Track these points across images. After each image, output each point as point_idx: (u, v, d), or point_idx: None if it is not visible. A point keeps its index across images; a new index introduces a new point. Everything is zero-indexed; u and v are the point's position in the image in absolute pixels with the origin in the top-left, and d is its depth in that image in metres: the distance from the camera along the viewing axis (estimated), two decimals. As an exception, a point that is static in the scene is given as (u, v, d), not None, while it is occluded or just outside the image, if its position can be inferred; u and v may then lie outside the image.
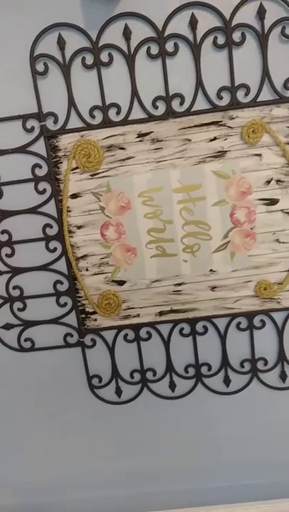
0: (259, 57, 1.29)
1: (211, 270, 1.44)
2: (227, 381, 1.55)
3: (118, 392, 1.57)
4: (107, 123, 1.34)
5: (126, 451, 1.65)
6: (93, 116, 1.34)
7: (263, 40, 1.27)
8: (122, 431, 1.62)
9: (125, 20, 1.28)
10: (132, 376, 1.56)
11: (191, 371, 1.55)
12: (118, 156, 1.36)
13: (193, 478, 1.66)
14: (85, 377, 1.56)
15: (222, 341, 1.51)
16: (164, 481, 1.67)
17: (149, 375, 1.56)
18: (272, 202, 1.38)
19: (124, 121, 1.34)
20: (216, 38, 1.27)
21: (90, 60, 1.30)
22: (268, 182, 1.36)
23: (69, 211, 1.40)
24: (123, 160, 1.37)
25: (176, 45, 1.28)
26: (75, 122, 1.35)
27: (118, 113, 1.34)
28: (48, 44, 1.30)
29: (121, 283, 1.46)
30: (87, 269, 1.45)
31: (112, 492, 1.68)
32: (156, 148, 1.35)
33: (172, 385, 1.56)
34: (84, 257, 1.44)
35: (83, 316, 1.50)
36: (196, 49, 1.28)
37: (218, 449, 1.63)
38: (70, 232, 1.42)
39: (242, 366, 1.54)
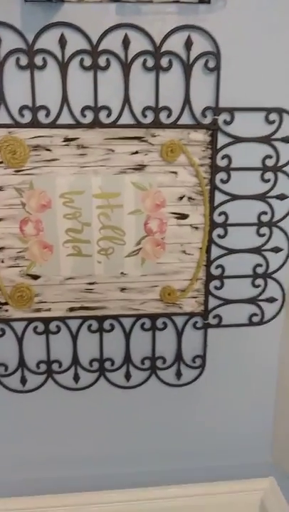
0: (183, 84, 1.39)
1: (122, 273, 1.54)
2: (128, 376, 1.66)
3: (23, 381, 1.63)
4: (35, 123, 1.39)
5: (28, 438, 1.71)
6: (22, 115, 1.38)
7: (187, 68, 1.38)
8: (25, 419, 1.68)
9: (62, 29, 1.33)
10: (38, 366, 1.62)
11: (96, 365, 1.64)
12: (44, 156, 1.42)
13: (95, 465, 1.76)
14: (-10, 365, 1.61)
15: (126, 339, 1.62)
16: (65, 467, 1.75)
17: (55, 366, 1.63)
18: (183, 216, 1.50)
19: (53, 125, 1.40)
20: (145, 61, 1.36)
21: (24, 61, 1.34)
22: (181, 198, 1.49)
23: (-10, 204, 1.44)
24: (48, 161, 1.42)
25: (108, 61, 1.36)
26: (4, 118, 1.38)
27: (47, 115, 1.39)
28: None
29: (35, 277, 1.52)
30: (2, 261, 1.49)
31: (16, 477, 1.73)
32: (80, 154, 1.42)
33: (76, 377, 1.65)
34: (1, 249, 1.48)
35: (-5, 306, 1.54)
36: (126, 67, 1.36)
37: (114, 438, 1.74)
38: (-11, 224, 1.46)
39: (142, 363, 1.66)
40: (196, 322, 1.63)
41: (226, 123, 1.44)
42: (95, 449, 1.74)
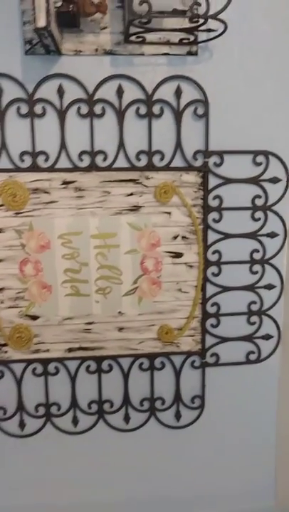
0: (174, 129, 1.48)
1: (119, 312, 1.56)
2: (127, 418, 1.64)
3: (21, 425, 1.61)
4: (35, 168, 1.46)
5: (26, 484, 1.66)
6: (22, 160, 1.45)
7: (178, 115, 1.47)
8: (23, 464, 1.65)
9: (60, 80, 1.42)
10: (36, 410, 1.61)
11: (94, 407, 1.63)
12: (42, 199, 1.47)
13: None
14: (-11, 409, 1.59)
15: (125, 380, 1.62)
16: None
17: (53, 409, 1.61)
18: (178, 255, 1.54)
19: (51, 169, 1.46)
20: (138, 108, 1.45)
21: (24, 109, 1.42)
22: (175, 237, 1.53)
23: (-10, 245, 1.48)
24: (47, 203, 1.48)
25: (103, 109, 1.45)
26: (5, 163, 1.45)
27: (46, 160, 1.46)
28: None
29: (34, 318, 1.54)
30: (2, 302, 1.52)
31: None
32: (78, 196, 1.48)
33: (75, 421, 1.63)
34: (1, 290, 1.51)
35: (-7, 347, 1.55)
36: (120, 114, 1.45)
37: (114, 484, 1.69)
38: (-11, 265, 1.49)
39: (141, 405, 1.64)
40: (194, 361, 1.63)
41: (216, 165, 1.51)
42: (95, 496, 1.69)
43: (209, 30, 1.38)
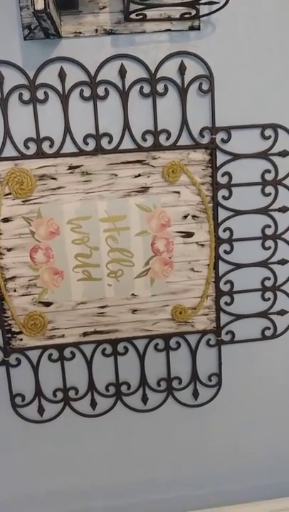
0: (179, 107, 1.45)
1: (132, 294, 1.56)
2: (145, 399, 1.66)
3: (40, 410, 1.63)
4: (40, 154, 1.44)
5: (47, 469, 1.69)
6: (27, 147, 1.44)
7: (182, 92, 1.44)
8: (44, 449, 1.67)
9: (61, 63, 1.40)
10: (54, 395, 1.62)
11: (112, 390, 1.64)
12: (50, 185, 1.46)
13: (115, 495, 1.73)
14: (8, 396, 1.60)
15: (141, 361, 1.63)
16: (86, 498, 1.72)
17: (71, 393, 1.63)
18: (188, 235, 1.53)
19: (57, 154, 1.45)
20: (142, 88, 1.43)
21: (26, 96, 1.41)
22: (185, 217, 1.52)
23: (0, 234, 1.48)
24: (54, 189, 1.47)
25: (106, 90, 1.42)
26: (10, 151, 1.44)
27: (51, 146, 1.45)
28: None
29: (48, 304, 1.54)
30: (15, 290, 1.52)
31: (35, 510, 1.71)
32: (85, 181, 1.47)
33: (94, 404, 1.64)
34: (13, 278, 1.51)
35: (9, 335, 1.55)
36: (124, 95, 1.43)
37: (134, 465, 1.72)
38: (0, 254, 1.49)
39: (159, 385, 1.65)
40: (210, 339, 1.63)
41: (224, 141, 1.49)
42: (117, 478, 1.72)
43: (211, 3, 1.35)
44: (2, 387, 1.60)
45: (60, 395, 1.62)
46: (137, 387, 1.65)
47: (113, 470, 1.71)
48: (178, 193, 1.50)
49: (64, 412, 1.64)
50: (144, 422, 1.68)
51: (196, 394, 1.67)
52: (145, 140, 1.46)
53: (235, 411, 1.72)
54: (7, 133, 1.42)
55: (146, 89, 1.43)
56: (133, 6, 1.29)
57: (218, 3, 1.34)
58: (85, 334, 1.58)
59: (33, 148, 1.44)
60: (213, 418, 1.71)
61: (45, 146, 1.44)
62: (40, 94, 1.41)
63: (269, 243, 1.58)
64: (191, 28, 1.41)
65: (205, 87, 1.45)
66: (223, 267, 1.58)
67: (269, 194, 1.55)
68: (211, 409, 1.69)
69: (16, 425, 1.63)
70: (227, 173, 1.51)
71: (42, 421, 1.64)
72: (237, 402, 1.71)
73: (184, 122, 1.46)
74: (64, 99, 1.42)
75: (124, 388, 1.64)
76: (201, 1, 1.33)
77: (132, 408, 1.66)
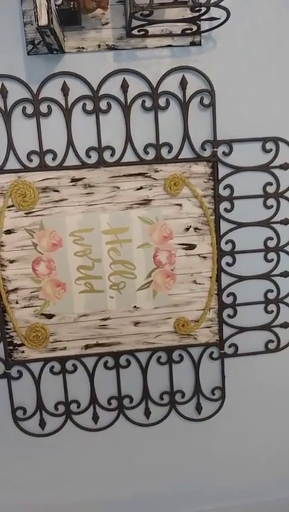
0: (181, 121, 1.47)
1: (134, 307, 1.56)
2: (148, 413, 1.64)
3: (42, 424, 1.61)
4: (43, 167, 1.46)
5: (48, 483, 1.67)
6: (30, 160, 1.45)
7: (184, 106, 1.46)
8: (45, 463, 1.65)
9: (64, 78, 1.42)
10: (56, 408, 1.61)
11: (114, 403, 1.63)
12: (52, 197, 1.48)
13: (117, 509, 1.71)
14: (9, 409, 1.59)
15: (143, 374, 1.61)
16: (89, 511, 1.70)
17: (73, 407, 1.62)
18: (191, 247, 1.54)
19: (59, 167, 1.46)
20: (144, 102, 1.45)
21: (30, 109, 1.43)
22: (187, 229, 1.52)
23: (2, 246, 1.48)
24: (57, 201, 1.48)
25: (109, 104, 1.44)
26: (13, 164, 1.45)
27: (54, 158, 1.46)
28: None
29: (50, 316, 1.54)
30: (17, 302, 1.52)
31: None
32: (87, 193, 1.48)
33: (96, 417, 1.63)
34: (15, 290, 1.51)
35: (11, 347, 1.55)
36: (126, 109, 1.45)
37: (136, 479, 1.69)
38: (2, 265, 1.49)
39: (161, 398, 1.64)
40: (212, 352, 1.62)
41: (225, 154, 1.50)
42: (119, 492, 1.70)
43: (212, 19, 1.37)
44: (3, 400, 1.59)
45: (61, 409, 1.61)
46: (140, 401, 1.64)
47: (115, 484, 1.69)
48: (180, 205, 1.51)
49: (65, 425, 1.63)
50: (147, 436, 1.67)
51: (199, 408, 1.66)
52: (147, 153, 1.48)
53: (239, 425, 1.70)
54: (10, 146, 1.44)
55: (148, 103, 1.45)
56: (135, 22, 1.32)
57: (218, 19, 1.36)
58: (87, 347, 1.57)
59: (36, 160, 1.45)
60: (216, 432, 1.69)
61: (48, 158, 1.46)
62: (43, 107, 1.43)
63: (271, 255, 1.58)
64: (192, 44, 1.43)
65: (206, 101, 1.46)
66: (225, 280, 1.58)
67: (271, 206, 1.55)
68: (214, 423, 1.68)
69: (17, 439, 1.62)
70: (229, 186, 1.52)
71: (43, 435, 1.63)
72: (240, 415, 1.69)
73: (186, 135, 1.47)
74: (67, 112, 1.43)
75: (126, 402, 1.63)
76: (202, 17, 1.36)
77: (134, 422, 1.65)
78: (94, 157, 1.47)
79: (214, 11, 1.34)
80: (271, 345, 1.65)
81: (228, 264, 1.57)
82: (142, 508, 1.71)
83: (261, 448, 1.72)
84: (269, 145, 1.51)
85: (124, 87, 1.43)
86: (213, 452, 1.71)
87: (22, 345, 1.55)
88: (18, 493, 1.67)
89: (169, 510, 1.72)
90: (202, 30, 1.41)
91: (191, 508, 1.72)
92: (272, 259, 1.59)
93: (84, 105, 1.44)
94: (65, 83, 1.42)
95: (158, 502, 1.72)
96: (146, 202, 1.50)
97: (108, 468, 1.68)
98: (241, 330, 1.62)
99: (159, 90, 1.44)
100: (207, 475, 1.72)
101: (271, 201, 1.55)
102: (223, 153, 1.50)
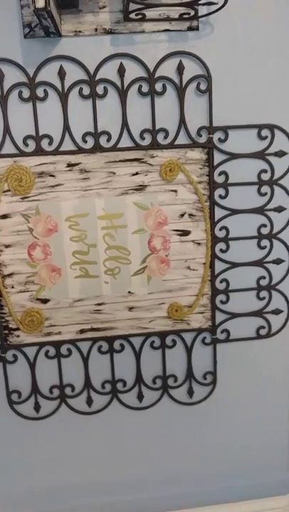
0: (177, 107, 1.47)
1: (129, 292, 1.57)
2: (140, 397, 1.66)
3: (37, 407, 1.63)
4: (39, 151, 1.46)
5: (43, 466, 1.69)
6: (26, 145, 1.45)
7: (180, 92, 1.46)
8: (40, 446, 1.67)
9: (61, 62, 1.41)
10: (51, 392, 1.63)
11: (108, 387, 1.65)
12: (48, 182, 1.48)
13: (109, 492, 1.74)
14: (4, 393, 1.61)
15: (137, 359, 1.63)
16: (81, 494, 1.73)
17: (67, 390, 1.63)
18: (185, 233, 1.55)
19: (56, 152, 1.46)
20: (140, 87, 1.44)
21: (26, 93, 1.42)
22: (182, 215, 1.53)
23: (-2, 231, 1.49)
24: (53, 186, 1.48)
25: (105, 89, 1.44)
26: (9, 148, 1.45)
27: (50, 143, 1.46)
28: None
29: (45, 301, 1.55)
30: (12, 287, 1.53)
31: (30, 508, 1.71)
32: (83, 178, 1.48)
33: (90, 401, 1.65)
34: (10, 275, 1.52)
35: (6, 332, 1.56)
36: (123, 94, 1.44)
37: (128, 462, 1.72)
38: (-2, 250, 1.50)
39: (154, 383, 1.66)
40: (205, 338, 1.64)
41: (221, 141, 1.50)
42: (111, 475, 1.72)
43: (210, 4, 1.37)
44: (-1, 383, 1.60)
45: (56, 392, 1.63)
46: (133, 385, 1.66)
47: (108, 467, 1.72)
48: (175, 191, 1.51)
49: (60, 409, 1.65)
50: (140, 420, 1.69)
51: (191, 392, 1.68)
52: (143, 139, 1.48)
53: (230, 409, 1.73)
54: (6, 130, 1.43)
55: (145, 89, 1.45)
56: (132, 6, 1.31)
57: (216, 3, 1.36)
58: (81, 331, 1.58)
59: (32, 145, 1.45)
60: (208, 416, 1.72)
61: (44, 143, 1.45)
62: (39, 92, 1.42)
63: (265, 242, 1.60)
64: (190, 29, 1.43)
65: (203, 86, 1.46)
66: (219, 266, 1.59)
67: (265, 194, 1.56)
68: (205, 407, 1.70)
69: (12, 422, 1.64)
70: (224, 173, 1.53)
71: (38, 418, 1.65)
72: (232, 400, 1.72)
73: (182, 121, 1.47)
74: (63, 97, 1.43)
75: (120, 386, 1.65)
76: (199, 2, 1.35)
77: (127, 406, 1.67)
78: (90, 142, 1.47)
79: (212, -4, 1.33)
80: (263, 332, 1.67)
81: (221, 250, 1.59)
82: (134, 489, 1.74)
83: (251, 431, 1.76)
84: (265, 132, 1.52)
85: (121, 71, 1.43)
86: (204, 435, 1.74)
87: (17, 329, 1.56)
88: (12, 475, 1.69)
89: (161, 492, 1.75)
90: (200, 15, 1.40)
91: (183, 489, 1.75)
92: (265, 246, 1.61)
93: (80, 90, 1.43)
94: (61, 67, 1.41)
95: (150, 484, 1.75)
96: (141, 187, 1.50)
97: (101, 451, 1.70)
98: (233, 316, 1.64)
99: (156, 75, 1.44)
100: (198, 458, 1.75)
101: (265, 188, 1.56)
102: (219, 139, 1.51)
